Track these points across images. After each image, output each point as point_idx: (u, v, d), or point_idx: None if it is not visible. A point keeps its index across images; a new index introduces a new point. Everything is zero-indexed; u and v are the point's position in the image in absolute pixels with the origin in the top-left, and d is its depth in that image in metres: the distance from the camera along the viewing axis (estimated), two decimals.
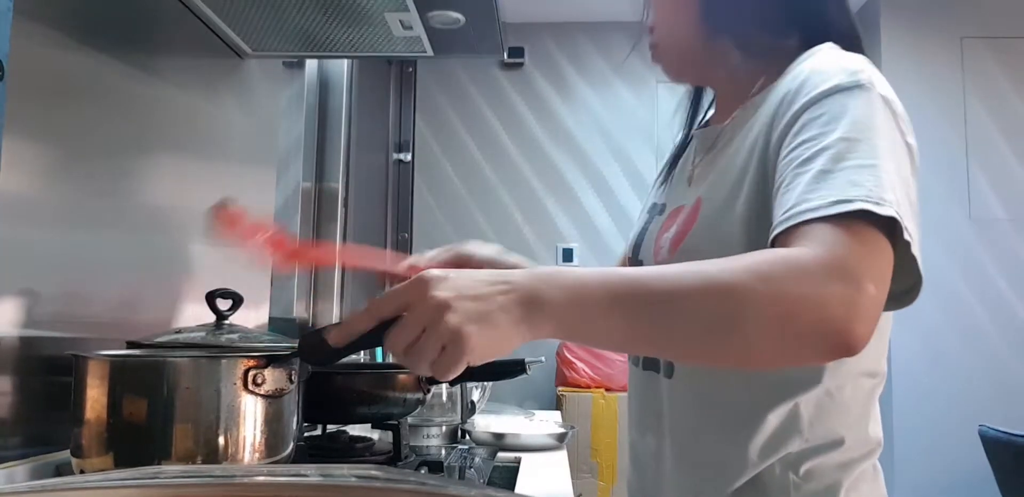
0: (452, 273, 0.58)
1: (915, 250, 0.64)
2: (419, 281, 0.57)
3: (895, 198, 0.64)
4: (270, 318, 1.68)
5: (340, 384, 1.15)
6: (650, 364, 0.89)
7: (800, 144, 0.69)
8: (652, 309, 0.60)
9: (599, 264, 3.17)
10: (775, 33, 0.83)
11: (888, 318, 0.81)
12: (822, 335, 0.59)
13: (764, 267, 0.60)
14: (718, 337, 0.60)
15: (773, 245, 0.66)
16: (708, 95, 0.98)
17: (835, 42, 0.81)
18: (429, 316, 0.56)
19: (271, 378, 0.82)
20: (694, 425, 0.83)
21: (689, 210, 0.83)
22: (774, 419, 0.77)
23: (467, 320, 0.55)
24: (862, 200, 0.63)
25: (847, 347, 0.60)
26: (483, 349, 0.56)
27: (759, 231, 0.73)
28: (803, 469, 0.77)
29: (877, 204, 0.62)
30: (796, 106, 0.73)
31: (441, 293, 0.56)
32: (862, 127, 0.68)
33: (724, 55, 0.86)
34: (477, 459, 1.26)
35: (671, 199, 0.91)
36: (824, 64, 0.75)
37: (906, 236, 0.63)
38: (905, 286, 0.68)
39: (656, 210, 0.94)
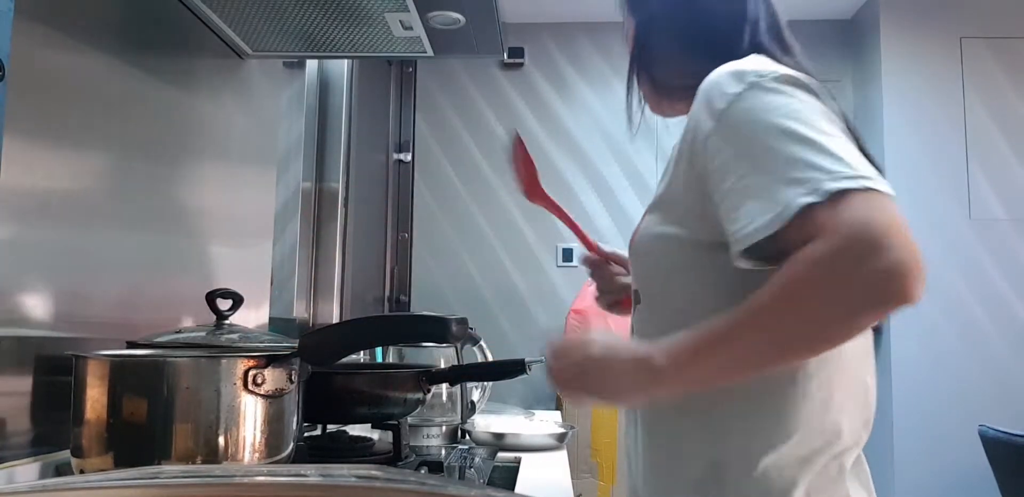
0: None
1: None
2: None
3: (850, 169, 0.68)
4: (270, 318, 1.68)
5: (340, 384, 1.15)
6: None
7: (724, 162, 0.75)
8: (725, 351, 0.71)
9: None
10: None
11: None
12: (884, 305, 0.64)
13: (800, 275, 0.66)
14: (783, 352, 0.70)
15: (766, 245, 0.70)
16: None
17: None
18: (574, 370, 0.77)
19: (271, 378, 0.82)
20: (653, 409, 0.87)
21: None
22: (705, 403, 0.80)
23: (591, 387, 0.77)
24: (862, 178, 0.67)
25: (909, 302, 0.64)
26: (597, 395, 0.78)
27: (696, 229, 0.80)
28: (760, 466, 0.77)
29: (847, 179, 0.67)
30: (702, 122, 0.78)
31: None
32: (772, 125, 0.72)
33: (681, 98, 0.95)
34: (477, 459, 1.26)
35: None
36: (716, 76, 0.80)
37: (873, 185, 0.66)
38: None
39: None
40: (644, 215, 0.92)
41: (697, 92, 0.81)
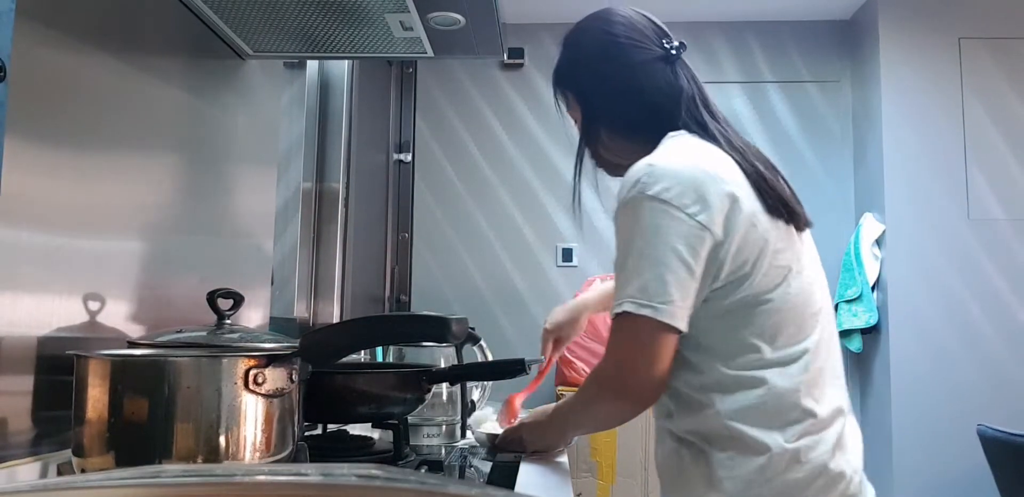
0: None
1: (654, 313, 0.93)
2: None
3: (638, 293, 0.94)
4: (271, 318, 1.68)
5: (340, 384, 1.16)
6: None
7: (616, 242, 1.00)
8: (556, 427, 1.22)
9: (598, 264, 3.18)
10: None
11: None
12: (623, 414, 1.05)
13: (585, 392, 1.08)
14: (584, 429, 1.32)
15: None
16: None
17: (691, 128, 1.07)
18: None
19: (272, 377, 0.83)
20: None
21: None
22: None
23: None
24: (627, 301, 0.95)
25: (642, 405, 1.01)
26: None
27: None
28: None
29: (628, 304, 0.95)
30: (618, 200, 1.00)
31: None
32: (626, 239, 0.97)
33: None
34: (477, 458, 1.26)
35: None
36: (630, 171, 1.00)
37: (629, 308, 0.94)
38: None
39: None
40: None
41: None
